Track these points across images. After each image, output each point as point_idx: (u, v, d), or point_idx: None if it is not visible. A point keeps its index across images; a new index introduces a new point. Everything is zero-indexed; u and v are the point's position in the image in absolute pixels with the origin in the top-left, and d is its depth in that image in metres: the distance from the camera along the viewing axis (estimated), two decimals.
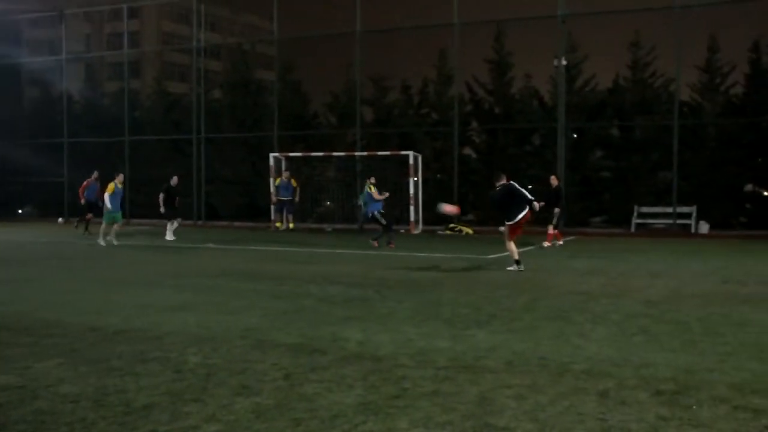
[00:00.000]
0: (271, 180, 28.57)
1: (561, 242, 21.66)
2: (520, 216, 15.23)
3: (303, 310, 10.60)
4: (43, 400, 6.08)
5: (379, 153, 28.70)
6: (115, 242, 21.53)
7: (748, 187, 28.17)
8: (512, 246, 15.29)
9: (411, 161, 27.14)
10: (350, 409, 5.83)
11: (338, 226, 28.89)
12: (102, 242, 21.47)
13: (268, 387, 6.47)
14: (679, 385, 6.47)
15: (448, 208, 18.05)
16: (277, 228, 28.48)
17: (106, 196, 21.65)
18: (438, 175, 31.04)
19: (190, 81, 38.70)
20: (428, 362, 7.32)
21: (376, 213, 21.09)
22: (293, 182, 28.44)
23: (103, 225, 21.82)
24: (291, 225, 28.49)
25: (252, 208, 32.70)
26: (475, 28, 30.23)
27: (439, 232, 27.01)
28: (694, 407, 5.87)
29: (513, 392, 6.26)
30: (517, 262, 15.09)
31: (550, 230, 21.09)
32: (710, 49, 28.01)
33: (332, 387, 6.45)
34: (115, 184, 21.82)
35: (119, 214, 22.02)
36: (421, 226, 27.68)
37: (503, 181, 15.73)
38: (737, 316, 9.78)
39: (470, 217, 31.09)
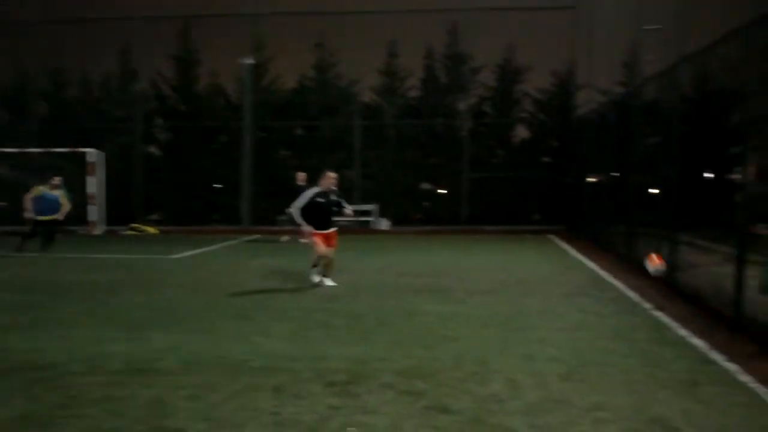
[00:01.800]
0: None
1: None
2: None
3: None
4: None
5: (57, 150, 27.21)
6: None
7: (425, 185, 29.89)
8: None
9: (91, 159, 26.02)
10: (10, 422, 5.50)
11: (10, 228, 27.04)
12: None
13: None
14: (350, 375, 6.75)
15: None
16: None
17: None
18: (133, 176, 29.88)
19: None
20: (100, 368, 7.08)
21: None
22: None
23: None
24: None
25: None
26: (160, 23, 29.51)
27: (122, 232, 26.15)
28: (363, 395, 6.13)
29: (187, 393, 6.22)
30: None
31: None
32: (389, 54, 29.49)
33: None
34: None
35: None
36: (104, 226, 26.62)
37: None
38: (408, 307, 10.35)
39: (155, 216, 30.40)
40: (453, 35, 29.19)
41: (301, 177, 20.58)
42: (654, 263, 12.70)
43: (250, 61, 28.25)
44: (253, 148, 28.57)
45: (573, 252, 18.55)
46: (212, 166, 29.95)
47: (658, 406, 5.90)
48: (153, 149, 31.23)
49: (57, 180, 18.94)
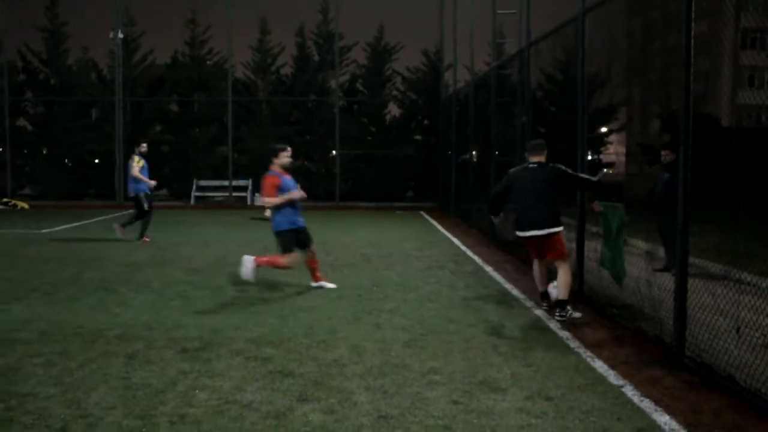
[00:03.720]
0: None
1: None
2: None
3: None
4: None
5: None
6: None
7: (300, 162, 30.16)
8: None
9: None
10: None
11: None
12: None
13: None
14: (203, 343, 7.12)
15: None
16: None
17: None
18: None
19: None
20: None
21: None
22: None
23: None
24: None
25: None
26: None
27: None
28: (213, 361, 6.52)
29: (42, 360, 6.48)
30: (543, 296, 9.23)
31: None
32: (262, 31, 29.63)
33: None
34: None
35: None
36: None
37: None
38: (270, 279, 10.72)
39: (26, 191, 29.79)
40: (324, 14, 29.55)
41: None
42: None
43: (120, 36, 27.93)
44: (126, 123, 28.28)
45: (441, 228, 19.23)
46: (85, 141, 29.53)
47: (490, 369, 6.40)
48: (23, 123, 30.50)
49: None
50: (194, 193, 28.20)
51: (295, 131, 29.11)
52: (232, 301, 9.27)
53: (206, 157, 29.34)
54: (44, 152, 30.19)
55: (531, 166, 8.86)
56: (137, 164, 15.27)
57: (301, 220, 10.05)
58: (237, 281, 10.54)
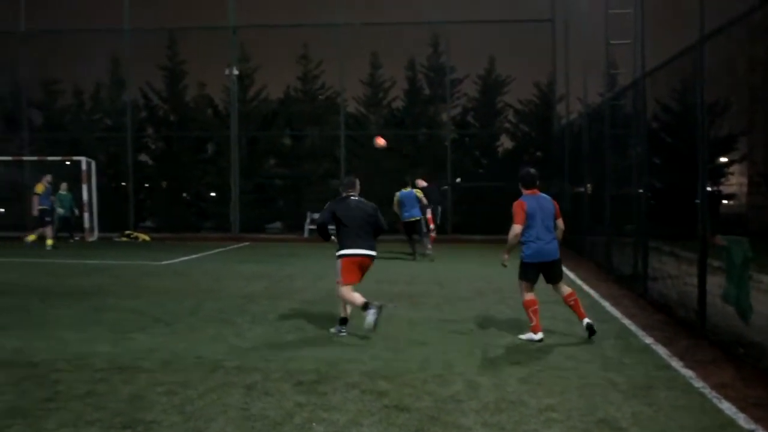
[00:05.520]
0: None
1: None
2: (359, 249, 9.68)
3: None
4: None
5: (50, 158, 27.56)
6: None
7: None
8: (350, 294, 9.56)
9: (84, 167, 26.38)
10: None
11: (9, 234, 27.31)
12: None
13: None
14: (319, 375, 7.18)
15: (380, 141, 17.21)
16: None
17: None
18: (123, 183, 30.10)
19: None
20: (85, 366, 7.50)
21: None
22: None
23: None
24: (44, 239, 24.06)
25: None
26: (147, 34, 29.93)
27: (115, 239, 26.49)
28: (329, 394, 6.55)
29: (165, 389, 6.65)
30: (342, 322, 9.61)
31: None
32: (373, 65, 29.99)
33: None
34: None
35: None
36: (97, 233, 26.97)
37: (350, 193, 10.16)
38: (383, 312, 10.73)
39: (148, 223, 30.78)
40: (434, 47, 29.69)
41: None
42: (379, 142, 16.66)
43: (235, 72, 28.71)
44: (241, 157, 28.98)
45: None
46: (202, 175, 30.43)
47: (609, 408, 6.23)
48: (144, 158, 31.64)
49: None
50: (308, 226, 28.56)
51: (407, 164, 29.22)
52: (346, 334, 9.30)
53: (319, 191, 29.75)
54: (164, 186, 31.17)
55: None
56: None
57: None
58: (353, 314, 10.59)
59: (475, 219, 28.89)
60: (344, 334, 9.29)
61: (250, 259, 19.43)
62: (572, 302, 9.28)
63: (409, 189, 19.74)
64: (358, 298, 9.36)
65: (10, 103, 31.01)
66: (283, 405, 6.23)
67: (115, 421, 5.78)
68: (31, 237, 23.14)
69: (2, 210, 30.77)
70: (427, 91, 30.14)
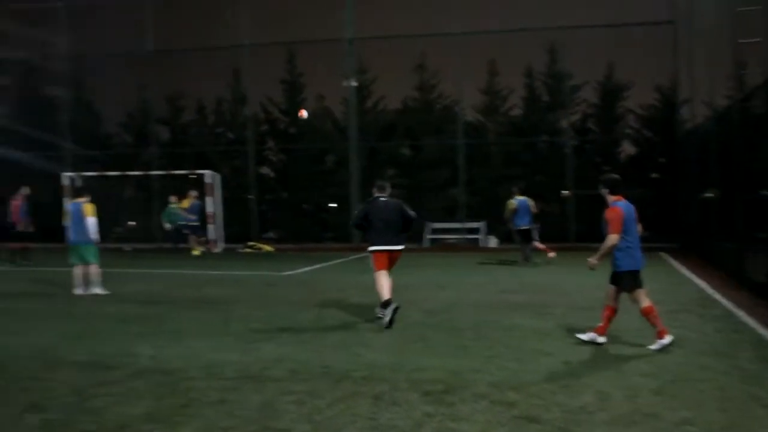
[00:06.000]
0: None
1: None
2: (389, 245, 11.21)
3: (95, 329, 10.68)
4: None
5: (176, 172, 28.48)
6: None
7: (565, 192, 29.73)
8: (382, 280, 11.13)
9: (209, 180, 27.13)
10: (137, 419, 6.14)
11: (139, 246, 28.33)
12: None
13: (57, 403, 6.65)
14: (446, 386, 7.13)
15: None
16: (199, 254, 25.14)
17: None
18: (249, 196, 30.74)
19: None
20: (216, 374, 7.68)
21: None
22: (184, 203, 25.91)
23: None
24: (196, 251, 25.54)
25: (46, 228, 31.30)
26: (266, 49, 30.55)
27: (240, 250, 27.11)
28: (457, 404, 6.50)
29: (294, 398, 6.72)
30: (384, 305, 10.77)
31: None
32: (490, 73, 29.80)
33: (121, 400, 6.72)
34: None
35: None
36: (222, 244, 27.68)
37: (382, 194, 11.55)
38: (506, 322, 10.66)
39: (270, 234, 31.37)
40: (552, 53, 29.26)
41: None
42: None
43: (353, 83, 29.00)
44: (361, 168, 29.22)
45: (683, 270, 18.35)
46: (323, 186, 30.88)
47: (752, 423, 5.97)
48: (266, 170, 32.31)
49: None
50: (427, 236, 28.57)
51: (525, 172, 28.93)
52: (471, 343, 9.24)
53: (438, 200, 29.75)
54: (285, 198, 31.73)
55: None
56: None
57: None
58: (474, 323, 10.55)
59: (598, 227, 28.26)
60: (384, 317, 10.63)
61: (371, 269, 19.49)
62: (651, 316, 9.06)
63: (522, 197, 19.94)
64: (386, 293, 10.82)
65: (139, 120, 32.21)
66: (411, 415, 6.21)
67: (247, 428, 5.89)
68: (196, 251, 23.82)
69: (134, 223, 31.92)
70: (545, 98, 29.76)
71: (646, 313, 8.93)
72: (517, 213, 19.72)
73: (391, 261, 11.22)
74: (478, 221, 28.29)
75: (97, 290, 14.47)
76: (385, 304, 10.68)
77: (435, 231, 28.82)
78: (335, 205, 31.24)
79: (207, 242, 26.35)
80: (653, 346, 8.80)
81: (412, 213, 11.39)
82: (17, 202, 22.08)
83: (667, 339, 8.79)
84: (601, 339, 9.10)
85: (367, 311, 11.95)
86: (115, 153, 32.87)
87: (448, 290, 14.68)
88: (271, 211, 32.07)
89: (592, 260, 9.09)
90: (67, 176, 28.18)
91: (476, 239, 28.23)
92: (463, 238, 28.37)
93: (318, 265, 20.41)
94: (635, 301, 9.06)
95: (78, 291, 14.53)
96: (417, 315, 11.55)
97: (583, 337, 9.17)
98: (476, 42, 27.91)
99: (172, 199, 25.94)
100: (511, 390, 6.97)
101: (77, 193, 15.18)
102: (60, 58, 33.66)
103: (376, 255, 11.16)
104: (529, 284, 15.52)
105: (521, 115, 29.98)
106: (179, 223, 25.47)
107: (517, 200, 19.88)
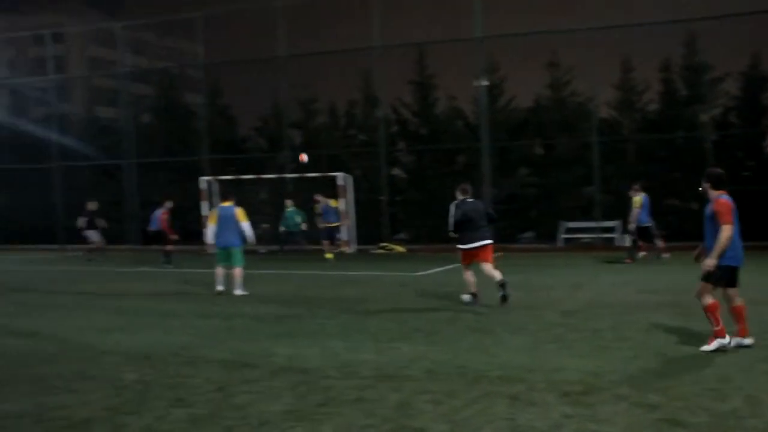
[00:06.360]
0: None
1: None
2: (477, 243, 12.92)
3: (235, 328, 10.95)
4: None
5: (309, 175, 28.95)
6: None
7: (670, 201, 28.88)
8: (468, 276, 13.00)
9: (341, 182, 27.48)
10: (278, 416, 6.24)
11: (273, 247, 28.96)
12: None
13: (202, 399, 6.84)
14: (585, 387, 6.96)
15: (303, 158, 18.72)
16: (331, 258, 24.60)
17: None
18: (381, 198, 30.98)
19: (119, 106, 38.51)
20: (353, 373, 7.74)
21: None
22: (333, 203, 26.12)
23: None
24: (342, 248, 26.06)
25: (184, 232, 32.48)
26: (397, 50, 30.70)
27: (372, 250, 27.37)
28: (596, 405, 6.34)
29: (430, 398, 6.70)
30: (473, 295, 12.83)
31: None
32: (624, 69, 29.01)
33: (262, 397, 6.86)
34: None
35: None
36: (355, 245, 28.00)
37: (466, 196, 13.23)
38: (645, 323, 10.35)
39: (402, 235, 31.53)
40: (690, 45, 28.22)
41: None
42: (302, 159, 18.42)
43: (484, 83, 28.78)
44: (492, 168, 28.98)
45: None
46: (453, 186, 30.75)
47: None
48: (397, 171, 32.47)
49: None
50: (561, 235, 28.11)
51: (662, 169, 28.08)
52: (610, 344, 9.00)
53: (572, 199, 29.23)
54: (415, 198, 31.78)
55: None
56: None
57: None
58: (613, 324, 10.30)
59: (744, 225, 27.16)
60: (470, 301, 12.76)
61: (504, 270, 19.26)
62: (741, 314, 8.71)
63: (644, 194, 20.06)
64: (472, 285, 12.84)
65: (272, 124, 32.97)
66: (549, 416, 6.09)
67: (385, 427, 5.90)
68: (329, 255, 24.15)
69: (267, 225, 32.66)
70: (683, 92, 28.76)
71: (710, 310, 8.53)
72: (643, 209, 19.80)
73: (479, 254, 12.89)
74: (614, 220, 27.59)
75: (239, 291, 14.84)
76: (473, 295, 12.72)
77: (569, 230, 28.31)
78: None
79: (338, 244, 26.64)
80: (705, 347, 8.55)
81: (493, 213, 13.34)
82: (165, 215, 23.43)
83: (726, 340, 8.50)
84: (747, 341, 8.67)
85: (501, 311, 11.86)
86: (249, 157, 33.74)
87: (584, 290, 14.41)
88: (402, 212, 32.20)
89: (710, 261, 8.60)
90: (204, 180, 29.05)
91: (611, 238, 27.58)
92: (598, 238, 27.76)
93: (450, 266, 20.34)
94: (729, 299, 8.75)
95: (219, 288, 14.95)
96: (553, 316, 11.35)
97: (707, 348, 8.64)
98: (609, 36, 27.22)
99: (288, 203, 26.61)
100: (653, 392, 6.74)
101: (225, 197, 15.61)
102: (197, 66, 34.91)
103: (462, 253, 13.03)
104: (668, 285, 15.03)
105: (657, 110, 29.08)
106: (296, 228, 26.51)
107: (644, 197, 19.90)
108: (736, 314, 8.72)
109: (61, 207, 34.23)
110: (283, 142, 31.73)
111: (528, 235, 30.80)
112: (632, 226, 20.23)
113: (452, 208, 13.19)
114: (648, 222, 19.93)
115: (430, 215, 30.61)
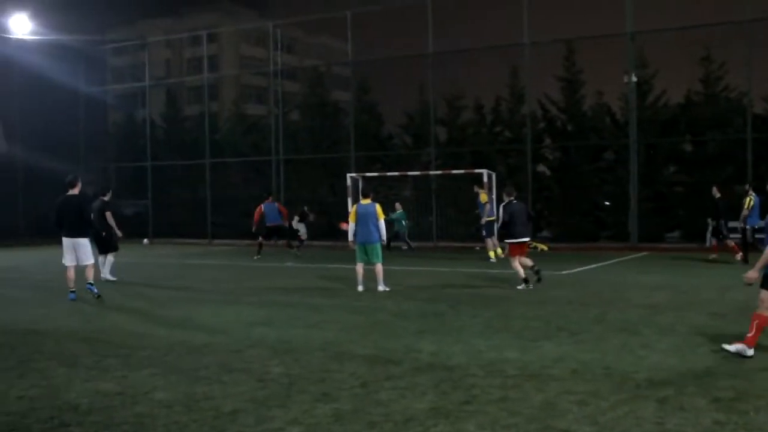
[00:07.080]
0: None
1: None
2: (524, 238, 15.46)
3: (379, 324, 11.15)
4: (141, 405, 6.74)
5: (454, 171, 29.01)
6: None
7: None
8: (517, 265, 15.26)
9: (485, 179, 27.36)
10: (422, 413, 6.34)
11: (414, 244, 29.15)
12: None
13: (346, 394, 7.00)
14: (738, 392, 6.79)
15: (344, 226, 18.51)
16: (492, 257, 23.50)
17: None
18: (524, 195, 30.61)
19: (268, 103, 39.62)
20: (497, 371, 7.79)
21: None
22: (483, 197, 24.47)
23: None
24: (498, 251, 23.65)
25: (330, 228, 33.08)
26: (546, 47, 30.39)
27: None
28: (751, 413, 6.17)
29: (576, 398, 6.68)
30: (525, 281, 15.06)
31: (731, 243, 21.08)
32: None
33: (406, 394, 6.97)
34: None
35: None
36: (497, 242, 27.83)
37: (512, 198, 15.51)
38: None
39: (545, 233, 31.14)
40: None
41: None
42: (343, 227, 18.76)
43: (633, 79, 28.09)
44: (640, 164, 28.26)
45: None
46: (600, 184, 30.25)
47: None
48: (542, 168, 32.14)
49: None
50: (710, 235, 27.11)
51: None
52: (764, 349, 8.67)
53: (723, 197, 28.12)
54: (560, 195, 31.34)
55: None
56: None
57: None
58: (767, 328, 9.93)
59: None
60: (523, 287, 14.87)
61: (651, 269, 18.99)
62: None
63: (757, 195, 19.83)
64: (521, 272, 15.08)
65: (418, 120, 33.18)
66: (700, 421, 5.98)
67: (529, 427, 5.93)
68: (492, 253, 24.08)
69: (410, 222, 32.94)
70: None
71: (759, 319, 8.25)
72: (751, 211, 19.48)
73: (525, 247, 15.56)
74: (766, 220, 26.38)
75: (381, 287, 15.07)
76: (525, 281, 14.96)
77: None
78: (609, 203, 30.51)
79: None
80: (728, 346, 8.43)
81: (533, 212, 16.53)
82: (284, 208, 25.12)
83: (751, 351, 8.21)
84: (750, 351, 8.30)
85: (649, 312, 11.64)
86: (395, 154, 34.09)
87: (733, 292, 13.92)
88: (547, 209, 31.81)
89: (752, 273, 8.32)
90: (350, 177, 29.51)
91: (762, 239, 26.41)
92: (750, 238, 26.66)
93: (594, 265, 20.09)
94: (761, 303, 8.37)
95: (359, 288, 15.20)
96: (702, 318, 11.08)
97: (730, 348, 8.45)
98: (765, 29, 26.04)
99: (397, 206, 27.58)
100: None
101: (365, 194, 15.84)
102: (345, 63, 35.53)
103: (513, 246, 15.32)
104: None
105: None
106: (402, 230, 27.70)
107: (754, 197, 19.56)
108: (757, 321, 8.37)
109: (210, 202, 35.53)
110: (429, 138, 31.90)
111: (675, 234, 29.94)
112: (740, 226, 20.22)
113: (500, 209, 15.51)
114: (758, 224, 19.58)
115: (574, 213, 30.18)
